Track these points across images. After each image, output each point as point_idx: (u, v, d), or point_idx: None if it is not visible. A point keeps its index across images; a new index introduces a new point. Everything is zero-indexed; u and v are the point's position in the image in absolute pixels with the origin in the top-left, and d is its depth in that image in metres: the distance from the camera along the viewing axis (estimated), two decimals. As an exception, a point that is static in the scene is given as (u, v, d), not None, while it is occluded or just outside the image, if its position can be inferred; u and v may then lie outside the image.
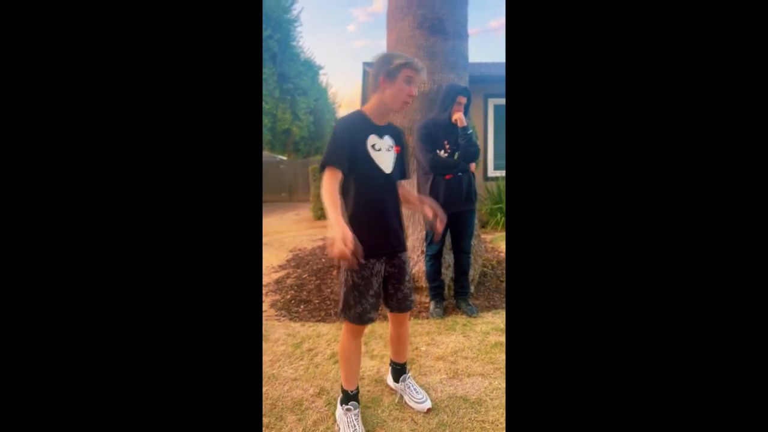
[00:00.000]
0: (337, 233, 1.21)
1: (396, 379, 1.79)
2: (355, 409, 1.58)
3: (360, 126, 1.46)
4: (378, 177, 1.46)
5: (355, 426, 1.54)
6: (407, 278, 1.58)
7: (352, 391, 1.60)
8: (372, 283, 1.49)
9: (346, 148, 1.40)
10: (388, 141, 1.51)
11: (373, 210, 1.46)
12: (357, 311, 1.48)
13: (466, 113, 2.61)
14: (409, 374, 1.79)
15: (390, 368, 1.83)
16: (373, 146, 1.45)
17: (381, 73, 1.42)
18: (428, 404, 1.67)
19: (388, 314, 1.68)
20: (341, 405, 1.61)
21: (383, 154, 1.48)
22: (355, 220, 1.42)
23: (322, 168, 1.38)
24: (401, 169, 1.57)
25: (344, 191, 1.45)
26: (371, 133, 1.46)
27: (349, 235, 1.21)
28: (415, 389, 1.73)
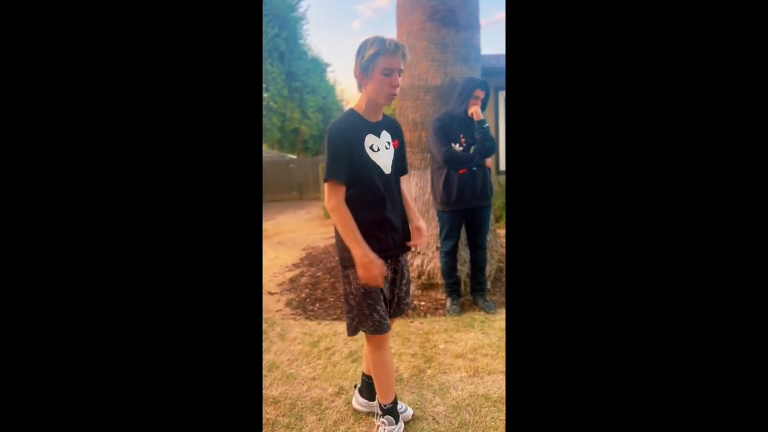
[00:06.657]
0: (361, 257, 1.28)
1: (371, 397, 1.61)
2: (390, 424, 1.46)
3: (355, 128, 1.35)
4: (379, 180, 1.37)
5: None
6: (405, 280, 1.53)
7: (386, 405, 1.48)
8: (384, 289, 1.43)
9: (345, 156, 1.31)
10: (385, 137, 1.41)
11: (377, 214, 1.37)
12: (374, 321, 1.39)
13: (483, 107, 2.57)
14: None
15: (360, 385, 1.67)
16: (371, 147, 1.36)
17: (358, 68, 1.30)
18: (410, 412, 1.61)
19: None
20: (377, 417, 1.51)
21: (382, 153, 1.39)
22: (361, 227, 1.32)
23: (326, 180, 1.31)
24: (401, 164, 1.49)
25: (347, 198, 1.34)
26: (368, 133, 1.36)
27: (377, 259, 1.28)
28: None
